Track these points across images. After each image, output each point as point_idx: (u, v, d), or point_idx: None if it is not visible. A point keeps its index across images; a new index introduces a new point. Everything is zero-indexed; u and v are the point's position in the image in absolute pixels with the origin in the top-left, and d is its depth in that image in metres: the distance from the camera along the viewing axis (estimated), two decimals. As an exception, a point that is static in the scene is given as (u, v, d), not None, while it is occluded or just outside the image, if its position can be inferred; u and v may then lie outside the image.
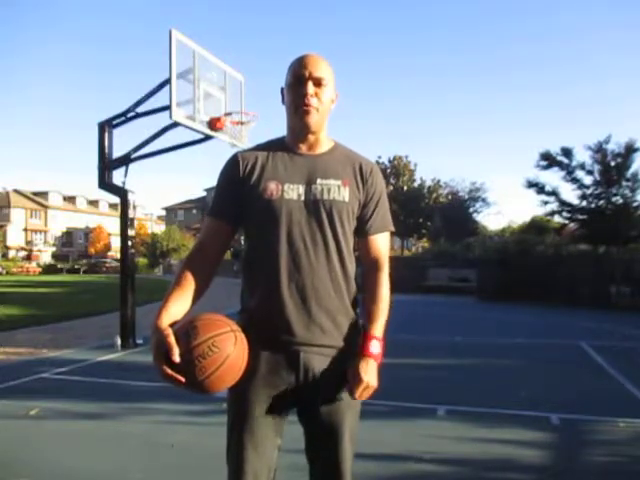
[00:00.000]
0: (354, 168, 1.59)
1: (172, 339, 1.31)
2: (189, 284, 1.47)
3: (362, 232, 1.60)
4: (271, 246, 1.50)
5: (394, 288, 1.58)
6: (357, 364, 1.47)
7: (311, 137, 1.57)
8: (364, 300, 1.58)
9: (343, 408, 1.52)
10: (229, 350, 1.34)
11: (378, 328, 1.52)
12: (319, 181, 1.54)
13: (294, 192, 1.52)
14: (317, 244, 1.50)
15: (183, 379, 1.31)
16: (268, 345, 1.49)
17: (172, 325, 1.37)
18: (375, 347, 1.49)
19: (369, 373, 1.46)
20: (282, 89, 1.61)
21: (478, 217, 36.10)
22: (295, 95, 1.53)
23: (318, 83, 1.52)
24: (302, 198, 1.52)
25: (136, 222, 9.52)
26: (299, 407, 1.55)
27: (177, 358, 1.29)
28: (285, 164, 1.55)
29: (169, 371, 1.31)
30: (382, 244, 1.62)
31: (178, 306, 1.43)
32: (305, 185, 1.53)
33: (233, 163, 1.58)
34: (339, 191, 1.54)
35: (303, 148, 1.58)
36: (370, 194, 1.59)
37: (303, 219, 1.51)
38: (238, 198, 1.55)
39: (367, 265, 1.61)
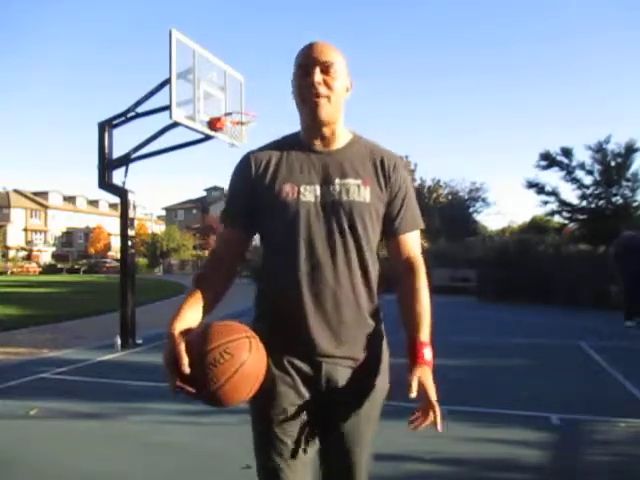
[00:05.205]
0: (375, 164, 1.46)
1: (182, 347, 1.22)
2: (204, 293, 1.39)
3: (390, 232, 1.47)
4: (289, 253, 1.39)
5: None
6: (423, 380, 1.33)
7: (326, 130, 1.43)
8: (403, 305, 1.47)
9: (363, 422, 1.46)
10: (244, 357, 1.23)
11: (426, 333, 1.42)
12: (337, 181, 1.41)
13: (311, 194, 1.40)
14: (337, 250, 1.39)
15: (194, 390, 1.21)
16: (288, 355, 1.41)
17: (187, 333, 1.28)
18: (428, 354, 1.39)
19: (431, 386, 1.34)
20: (292, 82, 1.47)
21: (478, 217, 36.07)
22: (302, 86, 1.39)
23: (326, 69, 1.38)
24: (319, 200, 1.40)
25: (136, 222, 9.51)
26: (318, 418, 1.46)
27: (187, 369, 1.20)
28: (300, 163, 1.43)
29: (178, 383, 1.21)
30: (413, 243, 1.49)
31: (192, 314, 1.34)
32: (322, 185, 1.41)
33: (245, 164, 1.47)
34: (359, 191, 1.41)
35: (319, 144, 1.45)
36: (395, 191, 1.46)
37: (321, 223, 1.39)
38: (252, 204, 1.44)
39: (401, 267, 1.48)
